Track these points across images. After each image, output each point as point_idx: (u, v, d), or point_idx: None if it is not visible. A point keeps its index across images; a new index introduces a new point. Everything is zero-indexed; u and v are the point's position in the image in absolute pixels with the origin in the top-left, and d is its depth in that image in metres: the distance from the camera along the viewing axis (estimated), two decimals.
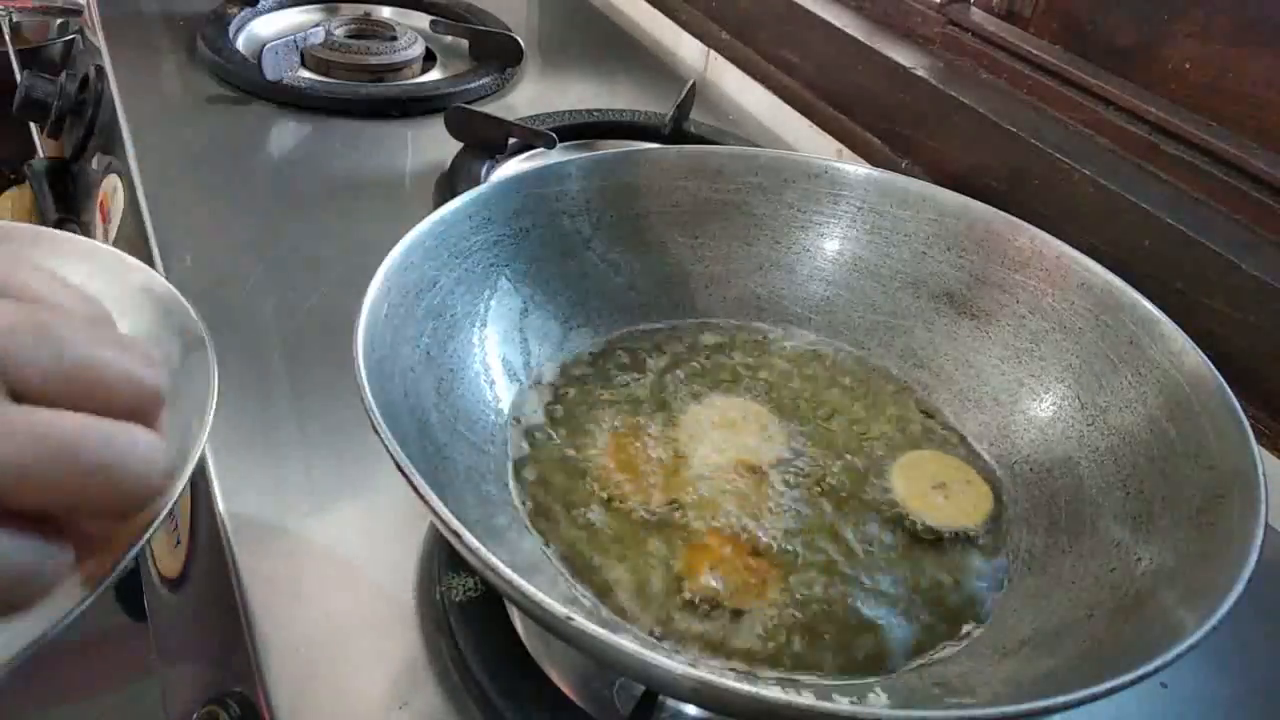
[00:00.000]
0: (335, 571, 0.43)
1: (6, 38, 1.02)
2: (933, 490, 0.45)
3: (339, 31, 0.89)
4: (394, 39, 0.89)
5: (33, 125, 1.06)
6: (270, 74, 0.79)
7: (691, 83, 0.78)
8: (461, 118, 0.73)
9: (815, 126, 0.83)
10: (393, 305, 0.41)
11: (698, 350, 0.52)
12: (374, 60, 0.86)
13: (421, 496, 0.31)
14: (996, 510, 0.45)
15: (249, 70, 0.81)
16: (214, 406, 0.38)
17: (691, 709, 0.38)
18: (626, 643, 0.28)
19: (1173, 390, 0.42)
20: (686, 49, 1.00)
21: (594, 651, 0.30)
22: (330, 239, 0.64)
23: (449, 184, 0.70)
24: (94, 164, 0.83)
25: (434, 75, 0.91)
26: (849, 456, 0.46)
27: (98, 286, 0.44)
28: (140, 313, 0.43)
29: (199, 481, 0.47)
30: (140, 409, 0.25)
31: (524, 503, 0.43)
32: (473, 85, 0.85)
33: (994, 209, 0.51)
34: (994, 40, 0.70)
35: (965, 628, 0.40)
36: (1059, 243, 0.49)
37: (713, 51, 0.95)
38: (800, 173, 0.54)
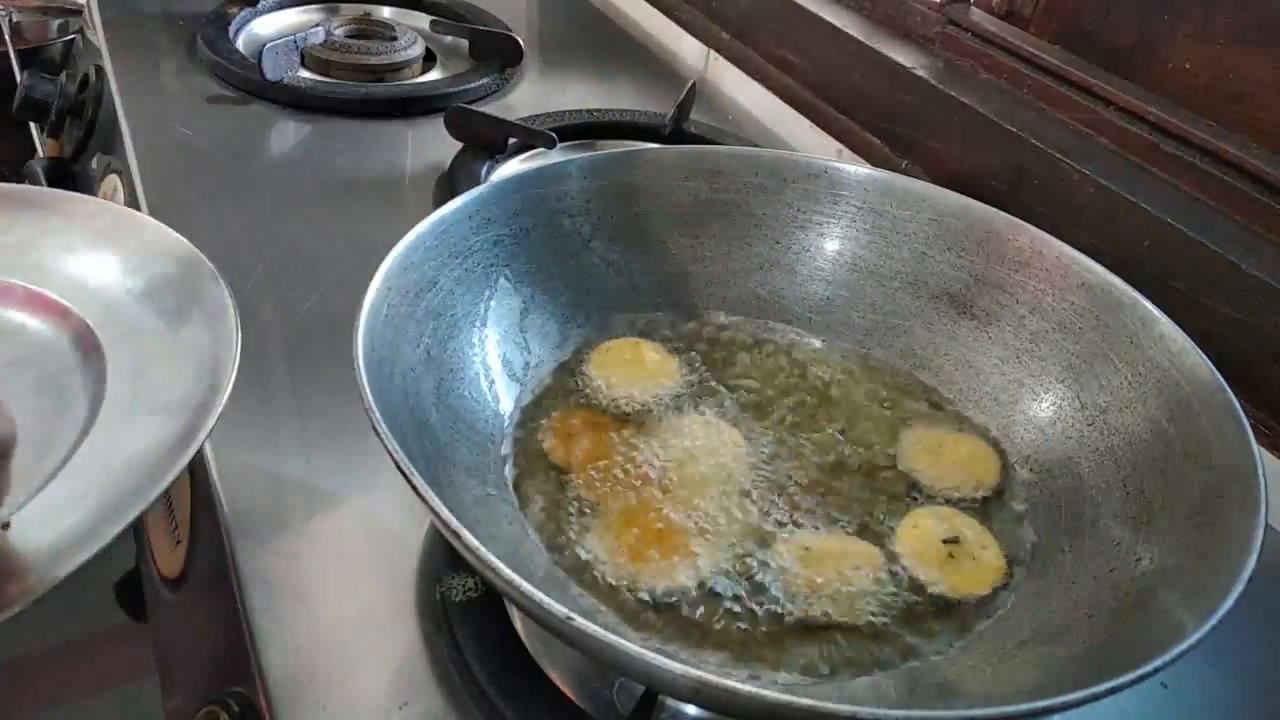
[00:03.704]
0: (335, 571, 0.43)
1: (6, 38, 1.02)
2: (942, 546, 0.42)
3: (339, 31, 0.88)
4: (394, 39, 0.89)
5: (33, 125, 1.06)
6: (270, 74, 0.79)
7: (691, 83, 0.78)
8: (461, 118, 0.73)
9: (815, 126, 0.83)
10: (393, 305, 0.41)
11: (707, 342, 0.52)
12: (374, 60, 0.86)
13: (421, 496, 0.31)
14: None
15: (249, 70, 0.80)
16: (235, 365, 0.41)
17: (691, 709, 0.38)
18: (627, 643, 0.28)
19: (1173, 390, 0.42)
20: (686, 49, 1.00)
21: (594, 651, 0.30)
22: (330, 239, 0.64)
23: (449, 184, 0.70)
24: (94, 164, 0.83)
25: (434, 75, 0.90)
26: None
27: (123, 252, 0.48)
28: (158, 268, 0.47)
29: (200, 481, 0.47)
30: None
31: (524, 502, 0.43)
32: (473, 85, 0.85)
33: (994, 209, 0.51)
34: (994, 40, 0.70)
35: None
36: (1059, 243, 0.49)
37: (713, 51, 0.95)
38: (800, 173, 0.54)
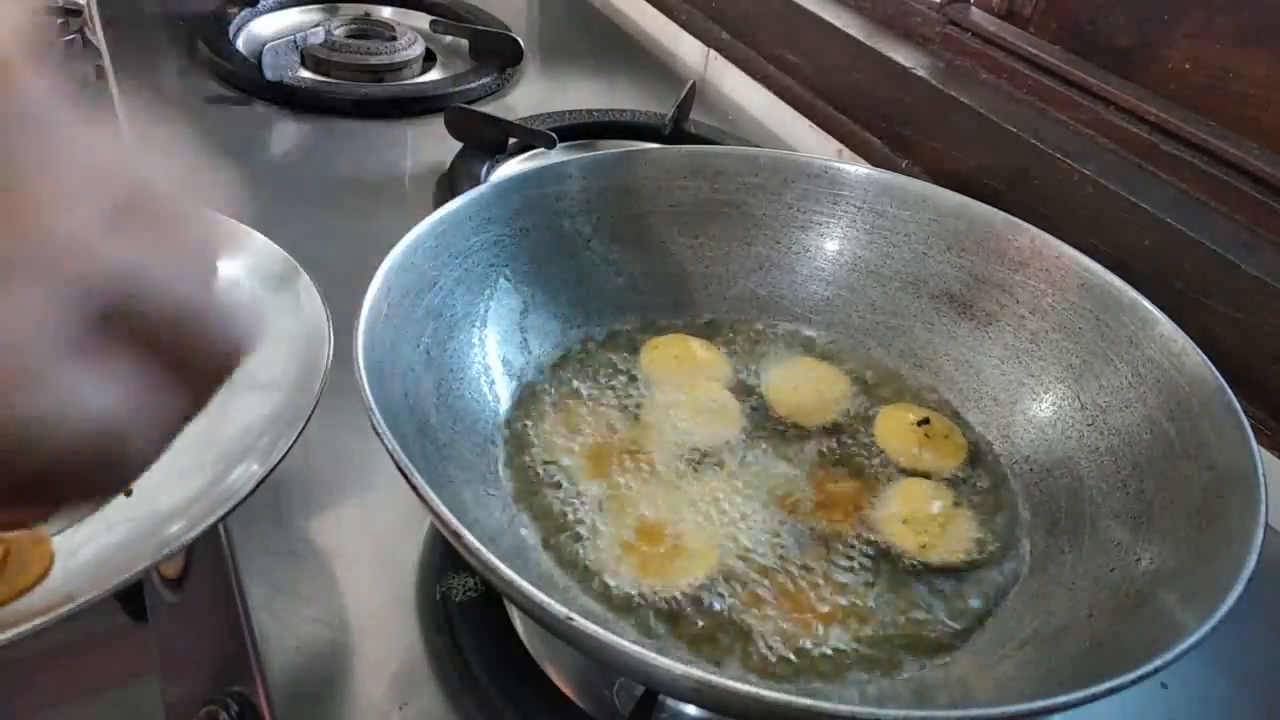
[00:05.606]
0: (335, 571, 0.43)
1: None
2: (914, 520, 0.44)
3: (339, 31, 0.88)
4: (394, 39, 0.89)
5: None
6: (270, 74, 0.79)
7: (691, 83, 0.78)
8: (461, 118, 0.73)
9: (815, 126, 0.83)
10: (393, 305, 0.41)
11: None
12: (374, 60, 0.86)
13: (421, 497, 0.31)
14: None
15: (249, 70, 0.80)
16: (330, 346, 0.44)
17: (691, 709, 0.38)
18: (627, 643, 0.28)
19: (1173, 390, 0.42)
20: (686, 49, 1.00)
21: (594, 651, 0.30)
22: (330, 239, 0.64)
23: (449, 184, 0.70)
24: None
25: (434, 75, 0.90)
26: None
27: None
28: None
29: None
30: None
31: (524, 501, 0.43)
32: (473, 85, 0.85)
33: (994, 209, 0.51)
34: (994, 40, 0.70)
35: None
36: (1059, 243, 0.49)
37: (713, 51, 0.95)
38: (800, 173, 0.54)
